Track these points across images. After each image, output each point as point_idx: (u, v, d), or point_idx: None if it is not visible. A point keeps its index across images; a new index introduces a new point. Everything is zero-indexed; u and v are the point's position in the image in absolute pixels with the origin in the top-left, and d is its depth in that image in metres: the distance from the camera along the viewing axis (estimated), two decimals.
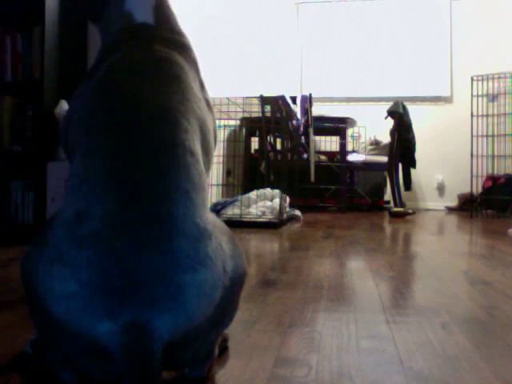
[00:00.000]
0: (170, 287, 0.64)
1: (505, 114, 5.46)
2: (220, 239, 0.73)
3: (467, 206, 5.39)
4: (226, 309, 0.74)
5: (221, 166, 4.78)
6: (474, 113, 5.00)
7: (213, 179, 4.47)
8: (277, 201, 3.66)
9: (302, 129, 4.46)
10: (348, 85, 6.41)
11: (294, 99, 4.34)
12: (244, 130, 5.10)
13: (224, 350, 0.92)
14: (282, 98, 3.80)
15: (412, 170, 5.15)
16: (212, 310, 0.70)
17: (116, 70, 0.83)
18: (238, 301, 0.80)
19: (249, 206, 3.65)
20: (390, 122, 5.03)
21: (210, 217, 0.75)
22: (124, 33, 0.94)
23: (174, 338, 0.66)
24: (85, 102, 0.82)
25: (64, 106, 2.53)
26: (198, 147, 0.80)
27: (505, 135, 5.15)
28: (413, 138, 5.00)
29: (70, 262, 0.65)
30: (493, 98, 5.40)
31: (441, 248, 2.39)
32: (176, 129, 0.77)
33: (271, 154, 4.69)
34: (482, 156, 5.19)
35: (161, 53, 0.88)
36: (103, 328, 0.63)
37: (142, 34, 0.94)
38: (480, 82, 5.06)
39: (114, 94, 0.78)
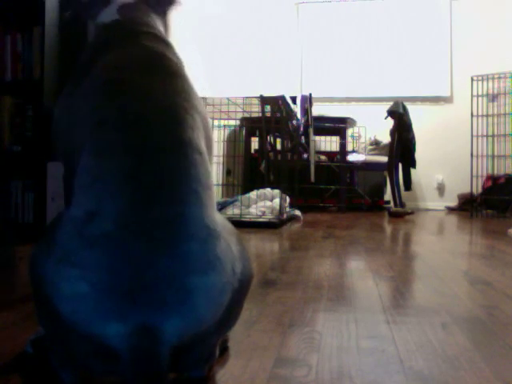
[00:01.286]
0: (180, 291, 0.64)
1: (505, 114, 5.45)
2: (229, 240, 0.73)
3: (467, 206, 5.39)
4: (232, 311, 0.74)
5: (221, 166, 4.78)
6: (474, 113, 5.00)
7: (213, 179, 4.47)
8: (277, 201, 3.65)
9: (302, 129, 4.46)
10: (348, 85, 6.40)
11: (294, 99, 4.34)
12: (244, 130, 5.10)
13: (224, 350, 0.92)
14: (282, 98, 3.80)
15: (412, 170, 5.15)
16: (221, 314, 0.69)
17: (117, 67, 0.82)
18: (243, 303, 0.80)
19: (249, 206, 3.65)
20: (390, 122, 5.03)
21: (218, 217, 0.75)
22: (105, 32, 0.94)
23: (182, 342, 0.66)
24: (87, 100, 0.80)
25: None
26: (203, 145, 0.79)
27: (505, 135, 5.15)
28: (413, 138, 5.00)
29: (80, 263, 0.64)
30: (493, 97, 5.40)
31: (441, 248, 2.39)
32: (183, 127, 0.75)
33: (271, 154, 4.69)
34: (482, 156, 5.19)
35: (155, 49, 0.87)
36: (112, 330, 0.62)
37: (124, 31, 0.93)
38: (480, 82, 5.06)
39: (121, 93, 0.77)
